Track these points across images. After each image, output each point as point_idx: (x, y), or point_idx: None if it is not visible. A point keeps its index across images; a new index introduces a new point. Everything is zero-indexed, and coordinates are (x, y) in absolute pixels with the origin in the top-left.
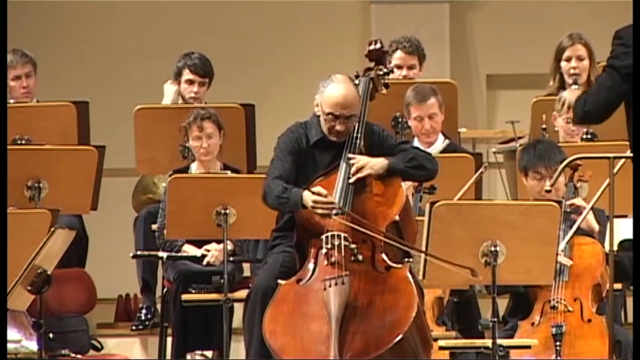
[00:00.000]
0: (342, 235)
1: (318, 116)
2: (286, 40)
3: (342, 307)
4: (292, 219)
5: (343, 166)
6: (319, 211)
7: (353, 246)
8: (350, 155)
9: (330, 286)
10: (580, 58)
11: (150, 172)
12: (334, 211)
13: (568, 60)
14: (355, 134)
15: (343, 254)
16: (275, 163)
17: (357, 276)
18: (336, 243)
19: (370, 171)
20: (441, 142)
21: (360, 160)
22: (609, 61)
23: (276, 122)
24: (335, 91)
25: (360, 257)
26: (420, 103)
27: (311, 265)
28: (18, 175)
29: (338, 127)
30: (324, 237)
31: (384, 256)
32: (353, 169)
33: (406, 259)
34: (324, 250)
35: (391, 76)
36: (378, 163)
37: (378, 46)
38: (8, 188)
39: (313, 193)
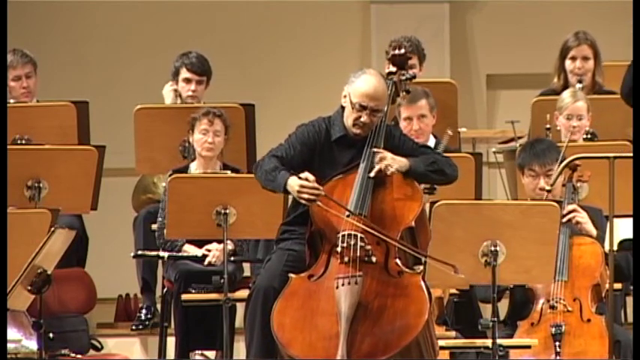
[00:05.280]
0: (359, 235)
1: (342, 112)
2: (286, 40)
3: (354, 307)
4: (303, 214)
5: (362, 166)
6: (304, 196)
7: (368, 247)
8: (375, 150)
9: (342, 284)
10: (585, 58)
11: (150, 172)
12: (346, 214)
13: (573, 59)
14: (375, 136)
15: (358, 254)
16: (282, 144)
17: (370, 277)
18: (352, 242)
19: (396, 167)
20: (432, 145)
21: (385, 154)
22: None
23: (276, 122)
24: (367, 82)
25: (374, 259)
26: (410, 103)
27: (324, 262)
28: (18, 175)
29: (364, 119)
30: (340, 235)
31: (397, 260)
32: (377, 159)
33: (418, 267)
34: (338, 249)
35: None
36: (401, 161)
37: (402, 51)
38: (8, 188)
39: (300, 178)
